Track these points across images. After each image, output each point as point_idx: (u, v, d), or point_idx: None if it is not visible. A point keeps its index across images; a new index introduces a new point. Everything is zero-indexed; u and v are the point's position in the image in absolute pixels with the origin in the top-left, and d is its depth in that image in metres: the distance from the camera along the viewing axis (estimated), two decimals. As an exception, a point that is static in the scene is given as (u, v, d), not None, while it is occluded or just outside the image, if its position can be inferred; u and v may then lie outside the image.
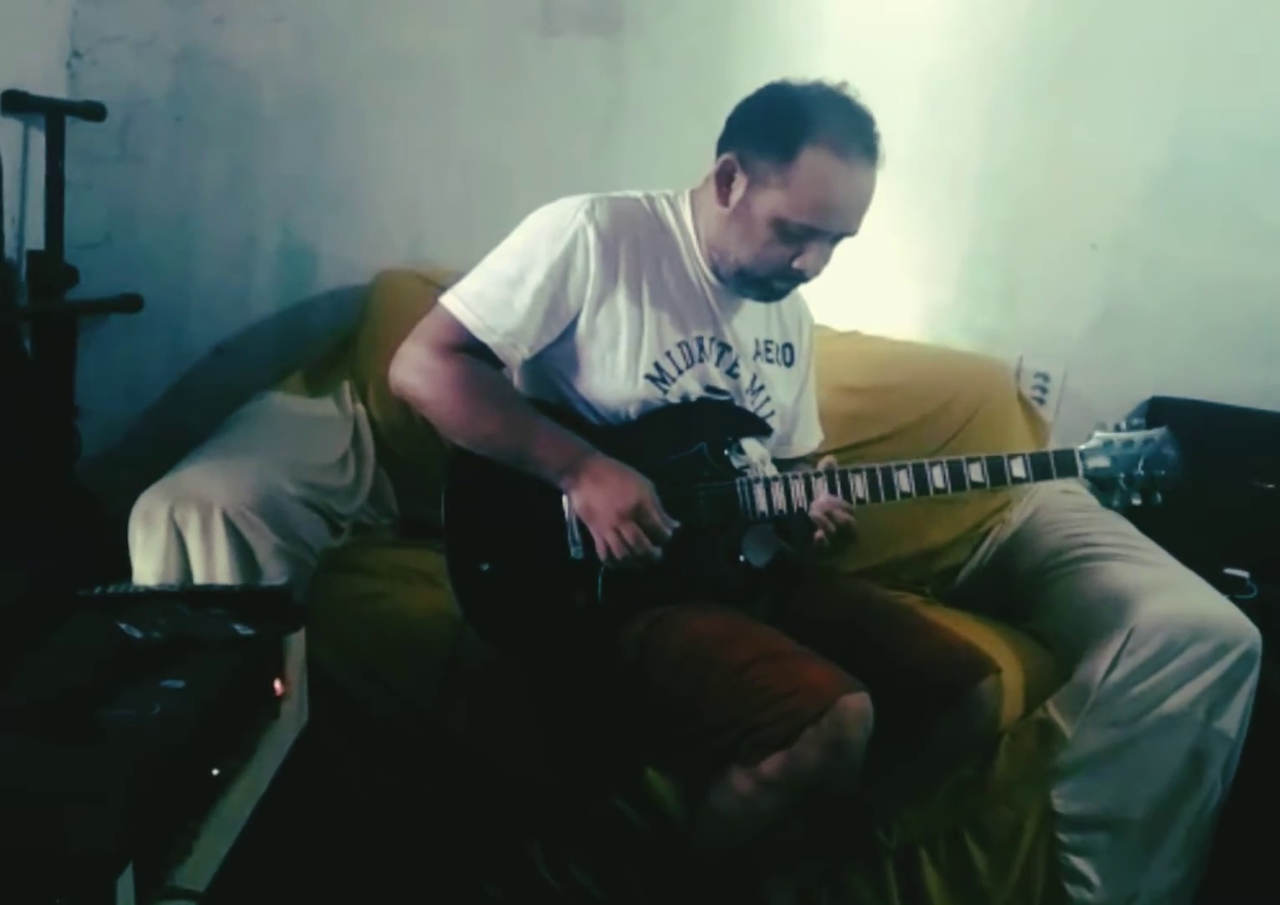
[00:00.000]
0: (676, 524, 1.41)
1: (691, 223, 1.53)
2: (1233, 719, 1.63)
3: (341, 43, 2.15)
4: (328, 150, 2.20)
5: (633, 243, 1.48)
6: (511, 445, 1.43)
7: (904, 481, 1.47)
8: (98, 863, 0.84)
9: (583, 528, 1.43)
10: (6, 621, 1.18)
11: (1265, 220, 2.20)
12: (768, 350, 1.61)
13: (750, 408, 1.58)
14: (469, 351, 1.44)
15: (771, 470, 1.59)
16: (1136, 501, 1.49)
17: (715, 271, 1.52)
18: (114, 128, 2.14)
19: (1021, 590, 1.88)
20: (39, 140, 2.03)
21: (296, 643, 1.26)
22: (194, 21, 2.12)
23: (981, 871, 1.67)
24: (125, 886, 0.86)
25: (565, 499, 1.44)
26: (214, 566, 1.49)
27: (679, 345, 1.51)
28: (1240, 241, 2.20)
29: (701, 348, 1.53)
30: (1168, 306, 2.25)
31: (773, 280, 1.48)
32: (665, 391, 1.50)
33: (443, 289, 1.49)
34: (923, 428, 2.06)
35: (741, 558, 1.51)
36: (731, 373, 1.56)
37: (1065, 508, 2.01)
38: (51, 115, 2.02)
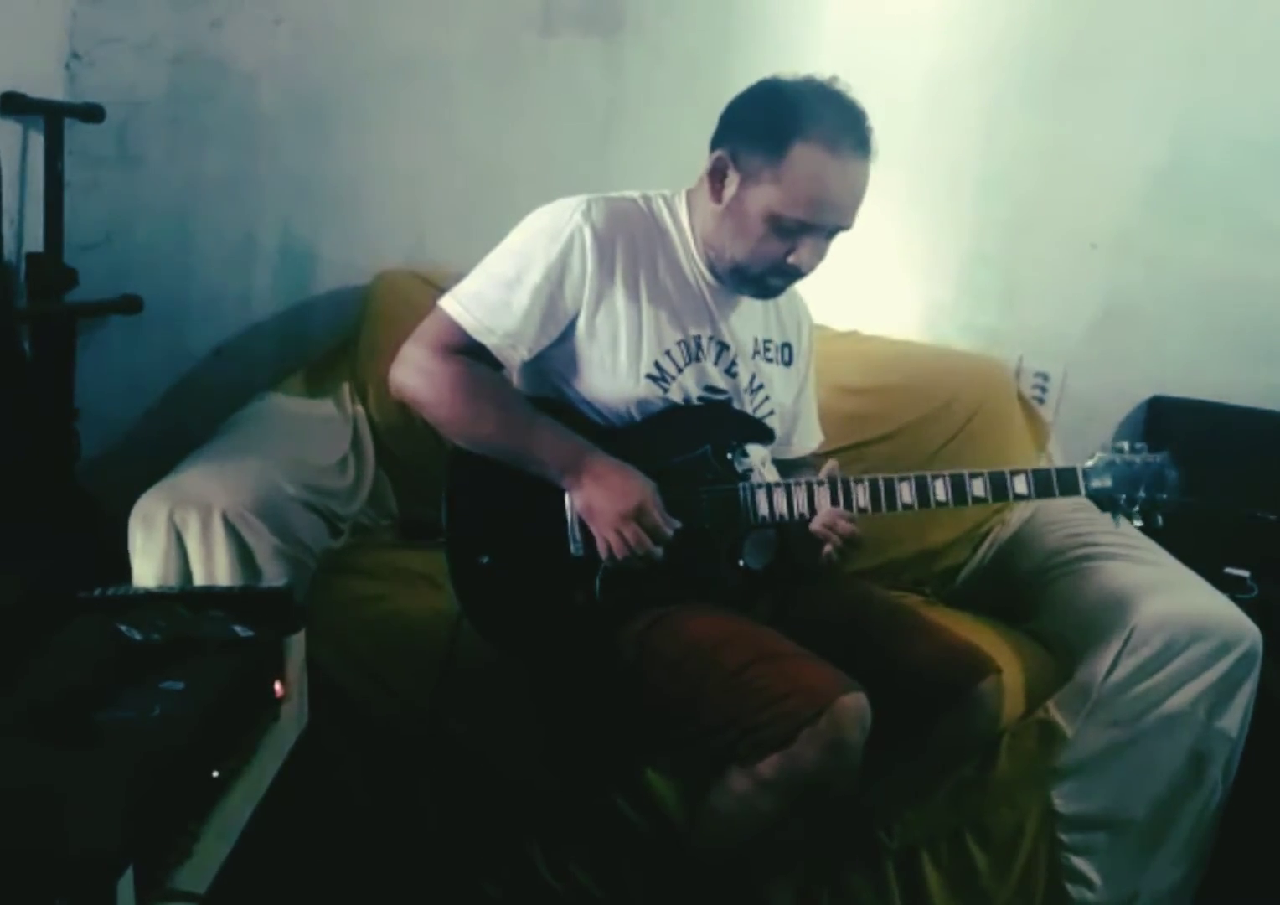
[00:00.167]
0: (678, 524, 1.42)
1: (688, 222, 1.53)
2: (1233, 718, 1.63)
3: (341, 44, 2.15)
4: (327, 151, 2.20)
5: (629, 243, 1.48)
6: (512, 445, 1.43)
7: (906, 493, 1.47)
8: (98, 864, 0.84)
9: (583, 526, 1.44)
10: (6, 623, 1.18)
11: (1266, 220, 2.20)
12: (766, 349, 1.61)
13: (749, 407, 1.58)
14: (468, 353, 1.45)
15: (772, 471, 1.59)
16: (1138, 523, 1.50)
17: (712, 270, 1.52)
18: (113, 129, 2.14)
19: (1022, 590, 1.88)
20: (38, 142, 2.03)
21: (296, 644, 1.26)
22: (193, 23, 2.12)
23: (982, 872, 1.67)
24: (125, 888, 0.86)
25: (566, 497, 1.44)
26: (213, 568, 1.49)
27: (678, 344, 1.51)
28: (1240, 241, 2.21)
29: (700, 346, 1.53)
30: (1168, 306, 2.25)
31: (768, 276, 1.48)
32: (665, 390, 1.50)
33: (443, 290, 1.49)
34: (923, 427, 2.06)
35: (741, 562, 1.51)
36: (730, 372, 1.56)
37: (1065, 508, 2.00)
38: (50, 117, 2.02)
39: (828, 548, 1.45)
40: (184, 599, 1.24)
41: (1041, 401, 2.27)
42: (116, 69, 2.12)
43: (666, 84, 2.17)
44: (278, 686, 1.21)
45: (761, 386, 1.59)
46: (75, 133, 2.08)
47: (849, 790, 1.37)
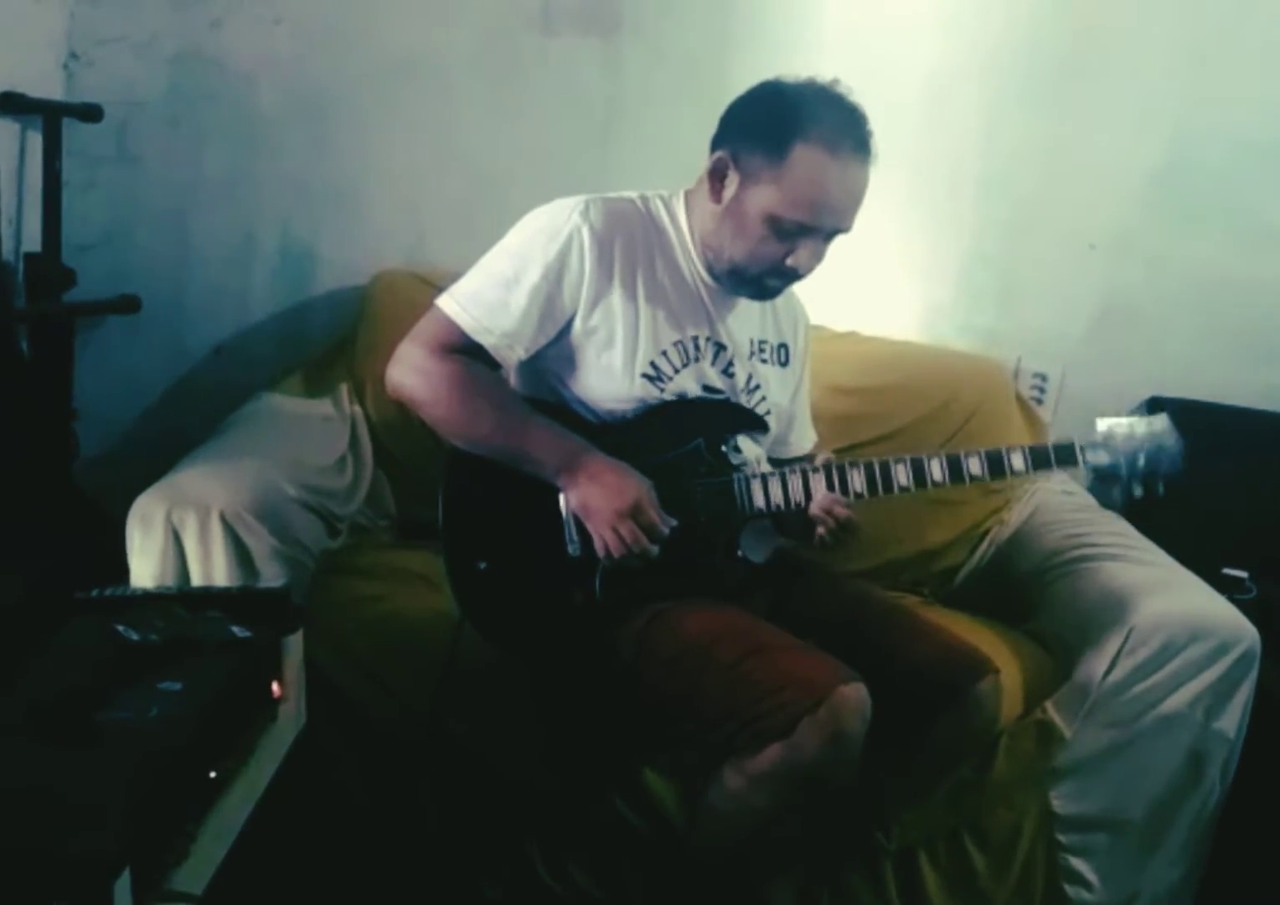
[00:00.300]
0: (674, 522, 1.42)
1: (686, 222, 1.53)
2: (1231, 719, 1.63)
3: (340, 44, 2.15)
4: (326, 151, 2.20)
5: (627, 243, 1.48)
6: (508, 444, 1.44)
7: (902, 475, 1.47)
8: (96, 865, 0.84)
9: (580, 525, 1.44)
10: (4, 623, 1.18)
11: (1265, 220, 2.19)
12: (763, 350, 1.61)
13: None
14: (465, 352, 1.45)
15: (767, 469, 1.59)
16: (1138, 492, 1.48)
17: (710, 270, 1.52)
18: (111, 129, 2.13)
19: (1020, 591, 1.88)
20: (36, 142, 2.03)
21: (294, 645, 1.26)
22: (191, 23, 2.12)
23: (981, 872, 1.67)
24: (123, 889, 0.86)
25: (562, 497, 1.44)
26: (211, 568, 1.49)
27: (675, 344, 1.51)
28: (1240, 241, 2.20)
29: (697, 347, 1.53)
30: (1167, 306, 2.25)
31: (766, 278, 1.48)
32: (662, 391, 1.50)
33: (441, 290, 1.49)
34: (921, 428, 2.06)
35: (739, 553, 1.51)
36: (727, 372, 1.56)
37: (1064, 508, 2.01)
38: (49, 117, 2.02)
39: (820, 530, 1.45)
40: (182, 599, 1.24)
41: (1040, 402, 2.27)
42: (115, 69, 2.12)
43: (665, 84, 2.17)
44: (275, 687, 1.21)
45: (758, 387, 1.59)
46: (74, 133, 2.08)
47: (849, 782, 1.36)
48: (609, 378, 1.49)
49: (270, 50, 2.14)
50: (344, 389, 2.04)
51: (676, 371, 1.51)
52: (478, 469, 1.46)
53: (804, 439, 1.74)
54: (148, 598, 1.26)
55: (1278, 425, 2.20)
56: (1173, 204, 2.20)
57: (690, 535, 1.45)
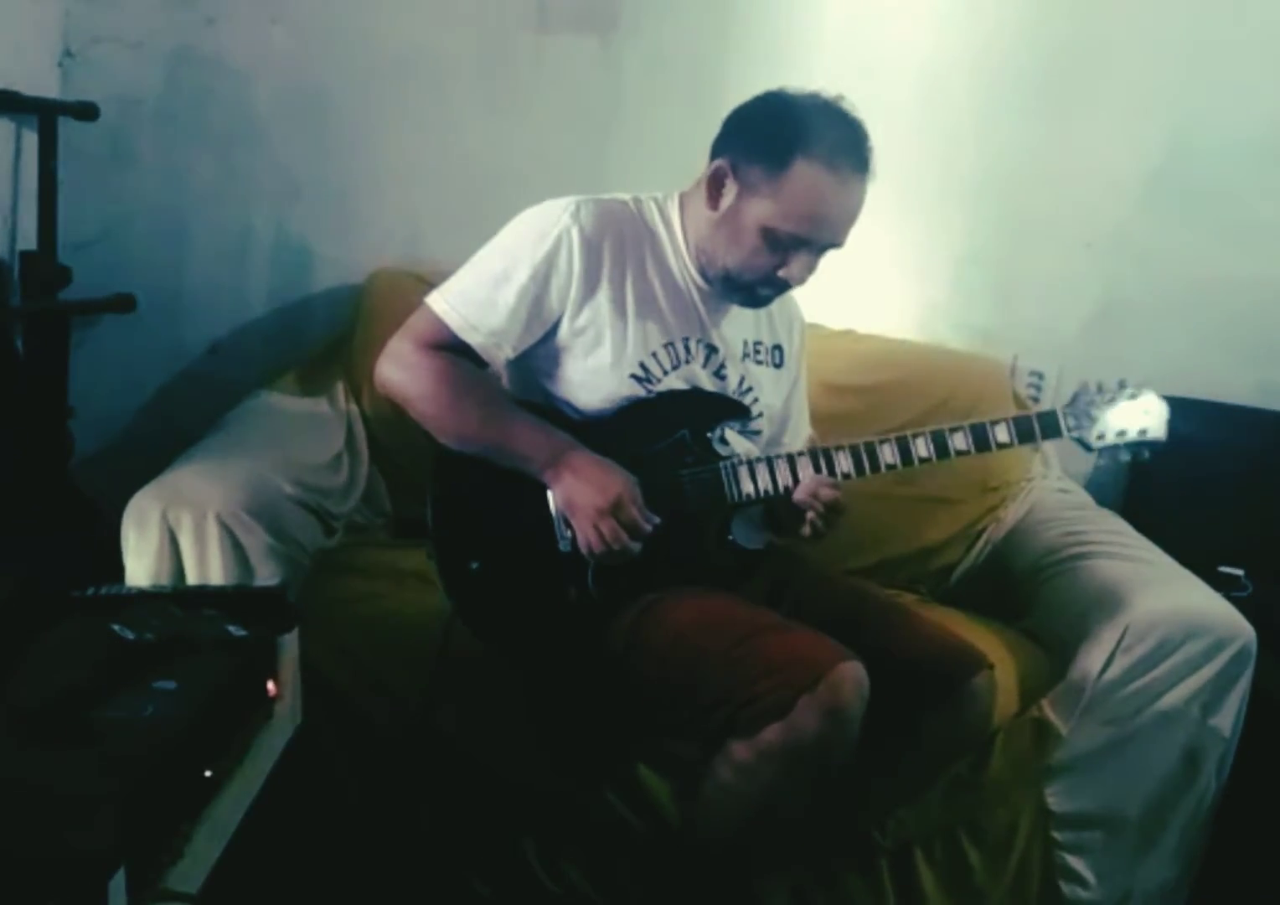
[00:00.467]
0: (657, 519, 1.42)
1: (679, 225, 1.53)
2: (1227, 717, 1.64)
3: (336, 43, 2.15)
4: (322, 150, 2.19)
5: (617, 244, 1.48)
6: (493, 440, 1.44)
7: (888, 454, 1.48)
8: (90, 865, 0.84)
9: (569, 521, 1.44)
10: (-1, 622, 1.18)
11: (1261, 218, 2.20)
12: (756, 352, 1.61)
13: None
14: (453, 350, 1.45)
15: (754, 455, 1.59)
16: (1125, 458, 1.50)
17: (703, 273, 1.52)
18: (107, 128, 2.13)
19: (1016, 588, 1.88)
20: (31, 140, 2.02)
21: (290, 643, 1.26)
22: (187, 21, 2.12)
23: (976, 870, 1.68)
24: (118, 888, 0.86)
25: (549, 493, 1.44)
26: (207, 567, 1.49)
27: (665, 346, 1.51)
28: (1236, 239, 2.20)
29: (688, 349, 1.53)
30: (1163, 304, 2.25)
31: (758, 287, 1.48)
32: (650, 392, 1.50)
33: (435, 288, 1.49)
34: (918, 426, 2.03)
35: (731, 539, 1.51)
36: (719, 374, 1.56)
37: (1060, 506, 2.01)
38: (44, 115, 2.02)
39: (810, 515, 1.46)
40: (177, 598, 1.24)
41: (1036, 400, 2.27)
42: (111, 67, 2.12)
43: (663, 84, 2.17)
44: (271, 686, 1.21)
45: (750, 389, 1.59)
46: (69, 131, 2.07)
47: (848, 762, 1.35)
48: (597, 378, 1.49)
49: (266, 48, 2.14)
50: (340, 387, 2.03)
51: (666, 373, 1.51)
52: (464, 471, 1.46)
53: (798, 441, 1.73)
54: (143, 596, 1.26)
55: (1273, 423, 2.20)
56: (1168, 202, 2.20)
57: (680, 525, 1.45)
